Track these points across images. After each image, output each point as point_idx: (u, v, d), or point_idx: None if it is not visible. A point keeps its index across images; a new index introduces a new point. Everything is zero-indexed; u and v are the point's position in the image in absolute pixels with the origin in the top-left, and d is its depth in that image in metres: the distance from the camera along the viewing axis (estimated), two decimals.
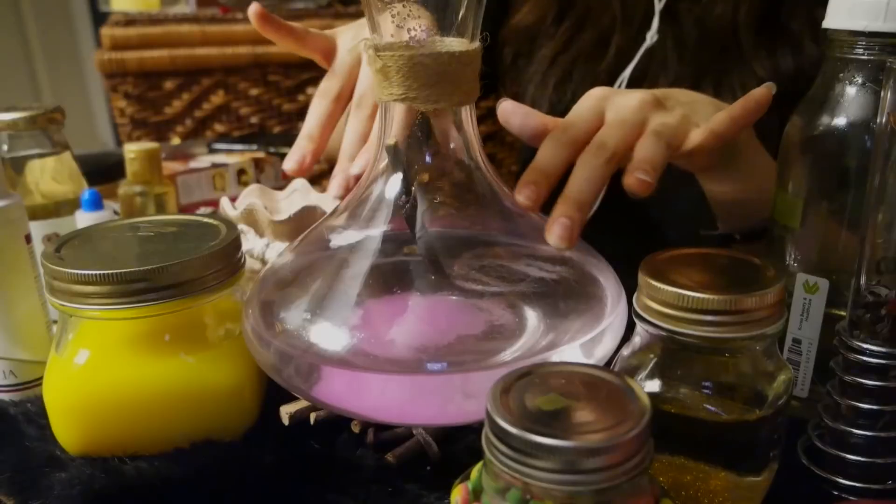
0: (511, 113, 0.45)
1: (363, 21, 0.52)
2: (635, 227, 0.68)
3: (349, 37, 0.52)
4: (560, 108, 0.71)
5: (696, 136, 0.43)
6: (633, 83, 0.68)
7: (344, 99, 0.47)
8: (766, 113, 0.62)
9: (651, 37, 0.66)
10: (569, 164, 0.40)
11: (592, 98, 0.45)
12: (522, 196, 0.38)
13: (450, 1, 0.36)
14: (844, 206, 0.39)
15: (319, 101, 0.47)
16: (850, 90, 0.39)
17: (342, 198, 0.44)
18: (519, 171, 0.80)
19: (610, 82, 0.69)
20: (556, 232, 0.37)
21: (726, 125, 0.43)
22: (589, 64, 0.70)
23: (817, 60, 0.57)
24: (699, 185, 0.56)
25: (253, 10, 0.49)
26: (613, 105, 0.44)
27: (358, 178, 0.45)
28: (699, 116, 0.45)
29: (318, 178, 0.96)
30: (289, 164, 0.44)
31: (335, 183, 0.45)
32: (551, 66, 0.72)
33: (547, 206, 0.42)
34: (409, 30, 0.36)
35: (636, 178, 0.38)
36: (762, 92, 0.44)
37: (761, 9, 0.64)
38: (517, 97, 0.77)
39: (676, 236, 0.68)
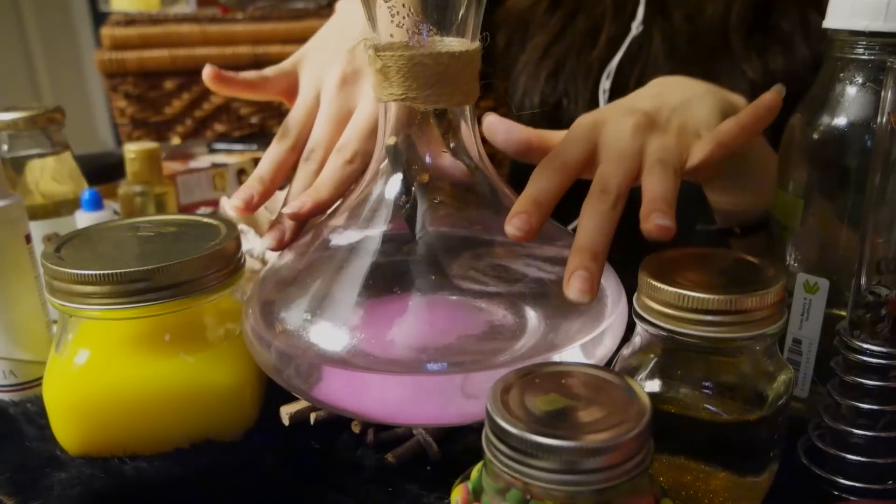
0: (495, 127, 0.45)
1: (325, 34, 0.51)
2: (635, 226, 0.68)
3: (313, 68, 0.51)
4: (551, 99, 0.72)
5: (700, 150, 0.40)
6: (622, 76, 0.68)
7: (299, 149, 0.47)
8: None
9: (636, 27, 0.66)
10: (562, 192, 0.38)
11: (583, 126, 0.42)
12: (512, 227, 0.35)
13: (450, 1, 0.36)
14: (844, 206, 0.39)
15: (275, 146, 0.48)
16: (851, 90, 0.39)
17: (276, 249, 0.44)
18: (508, 174, 0.80)
19: (600, 74, 0.69)
20: (576, 286, 0.34)
21: (734, 134, 0.40)
22: (581, 55, 0.70)
23: (809, 62, 0.57)
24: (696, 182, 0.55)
25: (207, 73, 0.51)
26: (606, 134, 0.41)
27: (296, 230, 0.44)
28: (697, 119, 0.43)
29: None
30: (235, 201, 0.45)
31: (270, 235, 0.44)
32: (543, 57, 0.72)
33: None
34: (407, 29, 0.36)
35: (655, 226, 0.35)
36: (772, 97, 0.41)
37: (753, 9, 0.64)
38: (508, 88, 0.77)
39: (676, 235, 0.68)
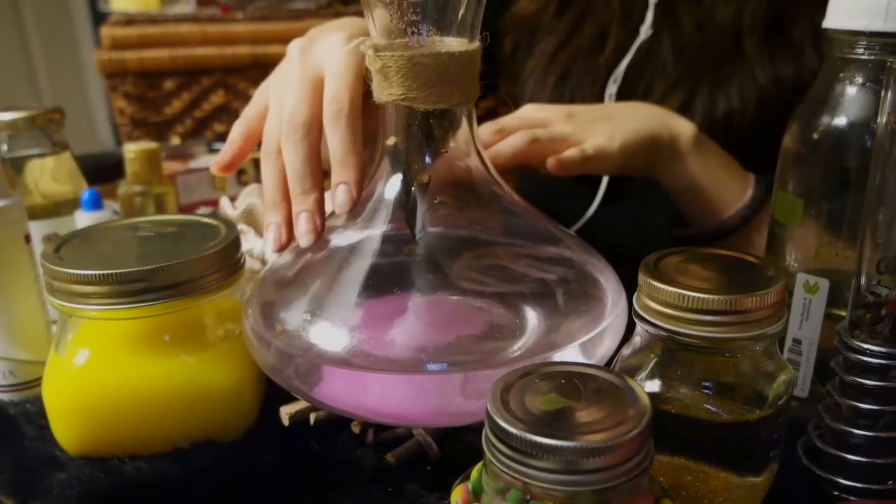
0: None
1: (291, 62, 0.46)
2: (635, 226, 0.68)
3: (277, 80, 0.47)
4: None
5: (567, 153, 0.52)
6: (630, 82, 0.68)
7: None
8: (766, 124, 0.63)
9: (645, 31, 0.66)
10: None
11: (525, 107, 0.57)
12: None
13: (450, 1, 0.36)
14: (844, 206, 0.39)
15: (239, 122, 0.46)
16: (850, 90, 0.39)
17: (280, 250, 0.41)
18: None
19: (607, 79, 0.69)
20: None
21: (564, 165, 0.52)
22: (588, 60, 0.70)
23: (817, 71, 0.59)
24: None
25: (215, 166, 0.48)
26: (534, 112, 0.56)
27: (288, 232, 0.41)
28: (603, 128, 0.54)
29: None
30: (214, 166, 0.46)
31: (269, 236, 0.41)
32: (551, 63, 0.72)
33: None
34: (407, 29, 0.36)
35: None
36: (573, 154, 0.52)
37: (765, 15, 0.64)
38: (515, 93, 0.77)
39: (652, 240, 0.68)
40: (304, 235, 0.39)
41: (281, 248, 0.41)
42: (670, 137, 0.56)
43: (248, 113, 0.46)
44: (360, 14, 0.41)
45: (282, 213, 0.41)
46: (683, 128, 0.57)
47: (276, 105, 0.43)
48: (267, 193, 0.41)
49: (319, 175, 0.40)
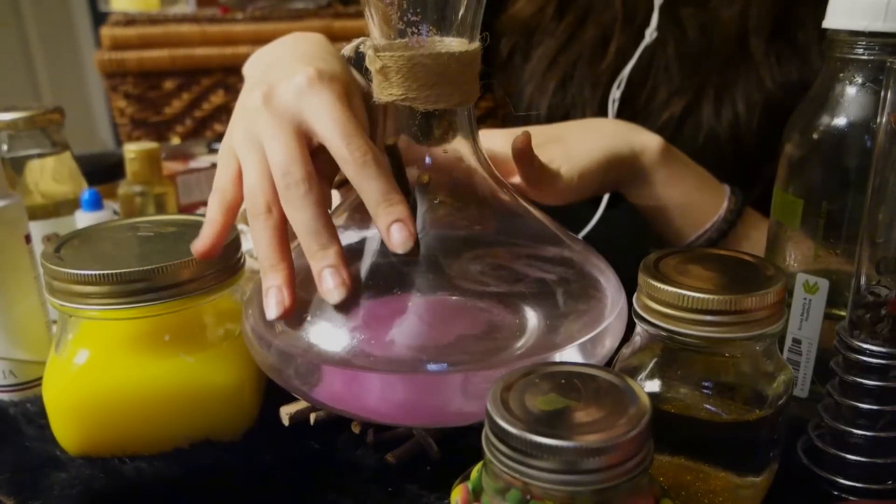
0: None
1: (256, 114, 0.40)
2: (636, 227, 0.68)
3: (239, 127, 0.41)
4: (559, 112, 0.70)
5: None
6: (633, 87, 0.67)
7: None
8: (772, 128, 0.63)
9: (650, 34, 0.65)
10: None
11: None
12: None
13: (450, 1, 0.36)
14: (844, 206, 0.39)
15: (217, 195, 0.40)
16: (850, 90, 0.39)
17: (284, 317, 0.37)
18: None
19: (609, 83, 0.68)
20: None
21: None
22: (590, 65, 0.69)
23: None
24: None
25: (197, 251, 0.39)
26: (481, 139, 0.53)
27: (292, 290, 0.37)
28: (558, 152, 0.51)
29: None
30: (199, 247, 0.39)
31: (271, 300, 0.37)
32: (550, 67, 0.71)
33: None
34: (407, 29, 0.36)
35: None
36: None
37: (770, 16, 0.63)
38: (512, 97, 0.76)
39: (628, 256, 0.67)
40: (333, 291, 0.36)
41: (285, 314, 0.36)
42: (633, 154, 0.53)
43: (220, 183, 0.41)
44: (359, 14, 0.40)
45: (282, 274, 0.37)
46: (648, 142, 0.54)
47: (251, 162, 0.39)
48: (262, 256, 0.38)
49: (332, 227, 0.37)
